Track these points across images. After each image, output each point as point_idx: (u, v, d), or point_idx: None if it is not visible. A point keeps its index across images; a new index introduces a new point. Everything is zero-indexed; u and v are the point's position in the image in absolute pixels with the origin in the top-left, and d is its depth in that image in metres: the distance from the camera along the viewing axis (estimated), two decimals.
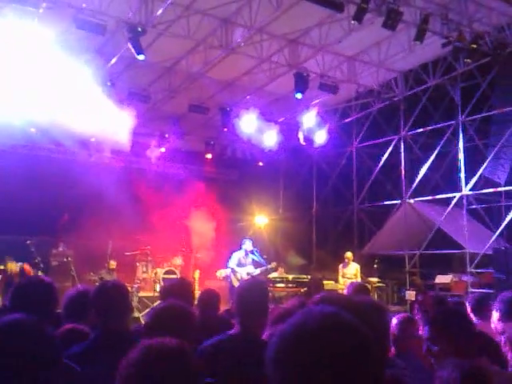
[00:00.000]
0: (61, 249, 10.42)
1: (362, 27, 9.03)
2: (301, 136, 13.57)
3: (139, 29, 8.99)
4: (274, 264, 10.21)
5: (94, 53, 9.93)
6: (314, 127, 13.25)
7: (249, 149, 14.82)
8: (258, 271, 9.86)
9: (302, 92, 10.83)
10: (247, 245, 9.97)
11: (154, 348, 1.39)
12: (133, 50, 9.13)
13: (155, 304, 7.08)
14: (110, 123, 9.67)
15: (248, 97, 12.56)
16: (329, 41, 10.33)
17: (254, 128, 12.51)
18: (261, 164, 15.04)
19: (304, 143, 13.75)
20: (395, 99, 13.01)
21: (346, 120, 14.54)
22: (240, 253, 9.94)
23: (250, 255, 9.95)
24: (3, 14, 7.81)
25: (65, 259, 10.08)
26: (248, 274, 9.66)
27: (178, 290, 3.31)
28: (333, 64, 11.50)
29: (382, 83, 12.81)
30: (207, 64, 10.90)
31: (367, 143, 14.38)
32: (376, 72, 12.19)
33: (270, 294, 9.93)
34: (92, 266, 10.97)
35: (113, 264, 11.10)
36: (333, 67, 11.56)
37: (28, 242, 9.18)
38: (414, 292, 11.08)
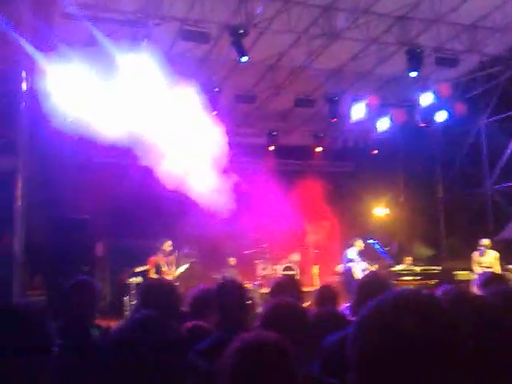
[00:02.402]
0: (186, 251, 11.07)
1: None
2: (418, 117, 12.64)
3: (241, 30, 9.08)
4: (375, 266, 10.27)
5: (199, 62, 10.24)
6: (432, 106, 12.20)
7: (361, 137, 14.22)
8: (375, 266, 9.79)
9: (417, 70, 10.10)
10: (358, 243, 10.38)
11: (252, 341, 1.45)
12: (236, 53, 9.26)
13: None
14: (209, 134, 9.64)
15: (356, 83, 12.00)
16: (443, 11, 9.47)
17: (365, 115, 11.91)
18: (376, 152, 14.35)
19: (423, 124, 12.78)
20: None
21: (471, 94, 13.16)
22: (352, 250, 10.36)
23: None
24: (115, 40, 8.40)
25: (190, 260, 10.74)
26: (363, 270, 9.46)
27: (286, 287, 3.48)
28: (450, 35, 10.45)
29: (511, 49, 11.31)
30: (311, 55, 10.70)
31: (498, 117, 12.88)
32: (501, 37, 10.79)
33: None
34: (215, 266, 11.44)
35: (232, 260, 11.45)
36: (450, 39, 10.51)
37: (158, 245, 9.85)
38: None
